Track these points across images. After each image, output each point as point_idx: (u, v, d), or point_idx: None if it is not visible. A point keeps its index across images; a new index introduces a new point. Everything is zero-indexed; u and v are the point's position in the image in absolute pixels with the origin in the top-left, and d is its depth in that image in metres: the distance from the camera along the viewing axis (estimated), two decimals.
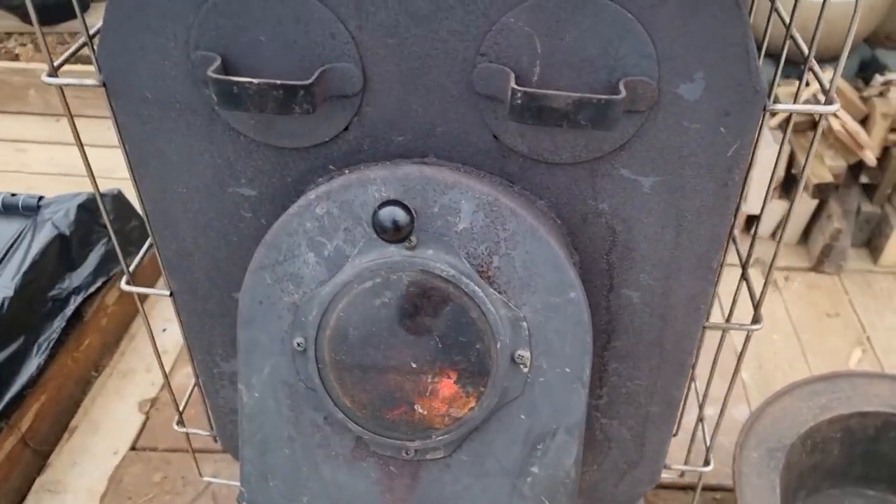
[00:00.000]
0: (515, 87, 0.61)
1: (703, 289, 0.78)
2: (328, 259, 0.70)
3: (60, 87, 0.75)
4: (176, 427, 1.04)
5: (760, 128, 0.68)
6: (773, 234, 2.15)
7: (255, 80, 0.63)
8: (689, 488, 1.57)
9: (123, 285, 0.90)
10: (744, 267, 0.87)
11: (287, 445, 0.74)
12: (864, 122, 2.03)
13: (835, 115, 2.00)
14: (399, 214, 0.64)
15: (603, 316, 0.81)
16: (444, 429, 0.70)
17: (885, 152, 2.04)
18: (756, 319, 0.83)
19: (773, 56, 1.01)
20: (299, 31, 0.65)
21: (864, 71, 2.33)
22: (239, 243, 0.81)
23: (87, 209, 1.87)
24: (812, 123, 2.05)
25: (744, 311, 0.88)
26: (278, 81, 0.63)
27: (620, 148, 0.68)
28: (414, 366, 0.69)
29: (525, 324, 0.69)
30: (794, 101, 0.76)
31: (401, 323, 0.68)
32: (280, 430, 0.74)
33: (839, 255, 2.05)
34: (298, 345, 0.71)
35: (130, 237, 2.00)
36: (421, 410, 0.69)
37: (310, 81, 0.63)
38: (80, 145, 0.82)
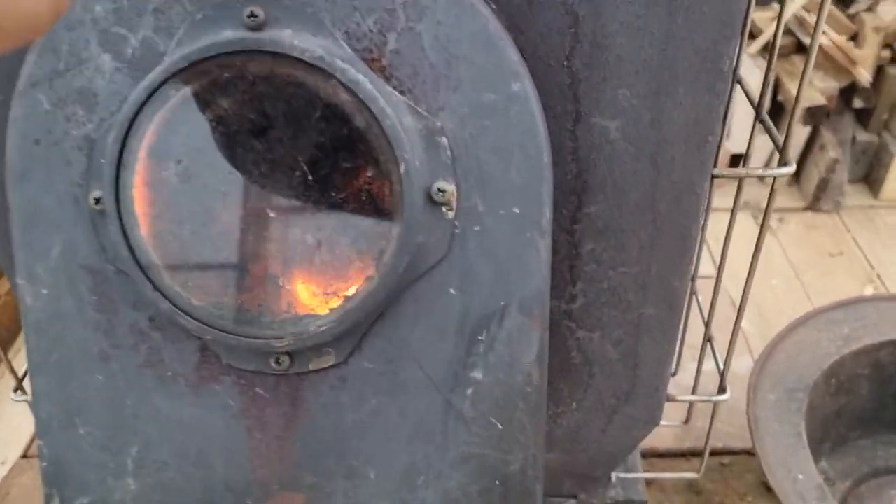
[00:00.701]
0: None
1: (710, 108, 0.54)
2: (132, 61, 0.45)
3: None
4: (14, 396, 0.78)
5: None
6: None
7: None
8: (692, 454, 1.33)
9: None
10: (706, 325, 0.64)
11: (99, 368, 0.48)
12: (854, 40, 1.82)
13: (822, 32, 1.80)
14: None
15: (569, 165, 0.56)
16: (329, 315, 0.45)
17: (878, 73, 1.83)
18: (784, 161, 0.59)
19: None
20: None
21: None
22: None
23: None
24: (797, 46, 1.84)
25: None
26: None
27: None
28: (272, 214, 0.44)
29: (445, 139, 0.45)
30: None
31: (247, 147, 0.43)
32: (86, 343, 0.48)
33: (836, 191, 1.84)
34: (97, 201, 0.45)
35: None
36: (288, 286, 0.44)
37: None
38: None
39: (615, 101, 0.53)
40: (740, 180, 0.65)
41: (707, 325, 0.79)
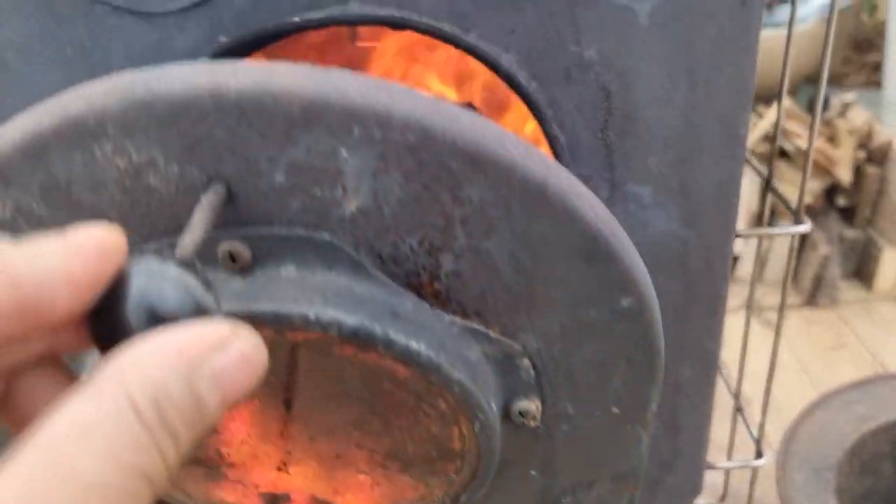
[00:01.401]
0: None
1: (732, 173, 0.59)
2: None
3: None
4: None
5: None
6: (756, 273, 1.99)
7: None
8: None
9: None
10: (736, 397, 0.70)
11: None
12: (831, 143, 1.93)
13: (798, 135, 1.91)
14: (164, 297, 0.24)
15: None
16: None
17: (857, 172, 1.93)
18: (799, 220, 0.64)
19: None
20: None
21: (812, 107, 2.28)
22: None
23: None
24: (781, 151, 1.95)
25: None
26: None
27: None
28: (336, 458, 0.38)
29: (527, 360, 0.37)
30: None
31: (282, 403, 0.36)
32: None
33: (831, 286, 1.89)
34: None
35: None
36: None
37: None
38: None
39: (646, 168, 0.58)
40: (759, 238, 0.69)
41: (736, 395, 0.82)
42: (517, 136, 0.31)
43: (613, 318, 0.36)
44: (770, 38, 0.61)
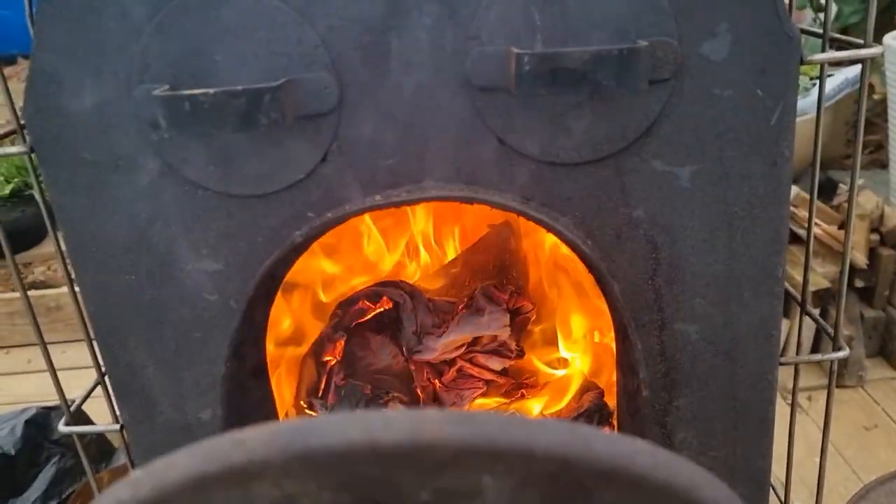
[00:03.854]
0: (520, 50, 0.52)
1: (772, 308, 0.65)
2: None
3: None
4: None
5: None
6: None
7: (211, 90, 0.53)
8: None
9: (62, 427, 0.72)
10: (802, 295, 0.75)
11: None
12: (842, 228, 1.99)
13: (817, 222, 1.97)
14: None
15: (659, 366, 0.66)
16: None
17: (872, 254, 1.98)
18: (837, 346, 0.69)
19: None
20: (260, 41, 0.56)
21: (823, 191, 2.35)
22: (203, 341, 0.66)
23: (37, 424, 1.66)
24: (794, 236, 2.01)
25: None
26: (239, 87, 0.53)
27: (647, 132, 0.58)
28: None
29: None
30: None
31: None
32: None
33: (857, 365, 1.92)
34: None
35: (87, 452, 1.77)
36: None
37: (276, 83, 0.53)
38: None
39: (692, 309, 0.64)
40: (796, 366, 0.74)
41: (786, 497, 0.85)
42: (648, 444, 0.33)
43: None
44: None
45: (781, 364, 0.68)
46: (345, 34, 0.56)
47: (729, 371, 0.66)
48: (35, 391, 2.12)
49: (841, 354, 0.68)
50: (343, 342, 0.81)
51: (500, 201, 0.58)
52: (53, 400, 1.01)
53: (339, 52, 0.56)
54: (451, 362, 0.80)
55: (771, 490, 0.86)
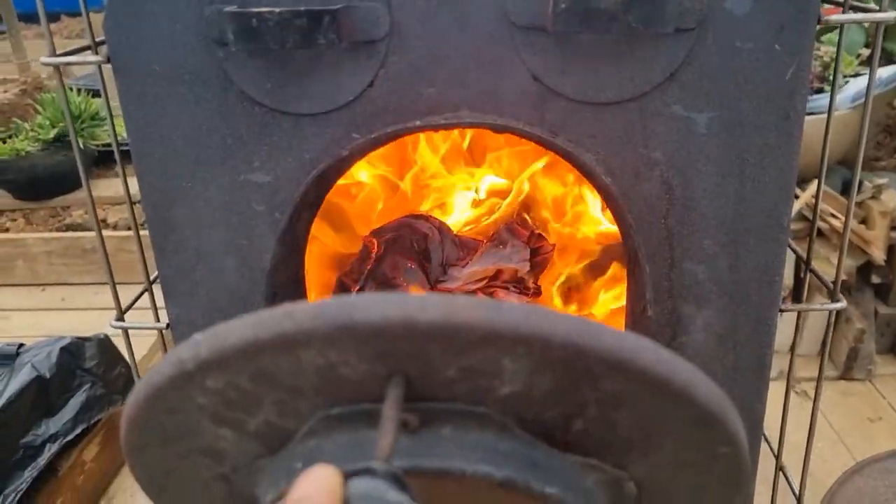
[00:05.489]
0: None
1: (776, 255, 0.69)
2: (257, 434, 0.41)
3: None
4: None
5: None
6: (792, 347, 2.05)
7: (277, 9, 0.58)
8: None
9: (113, 322, 0.79)
10: (809, 248, 0.79)
11: None
12: (864, 224, 2.02)
13: (833, 215, 2.00)
14: (388, 498, 0.32)
15: (666, 303, 0.71)
16: None
17: (890, 251, 2.01)
18: (836, 298, 0.74)
19: None
20: None
21: (849, 189, 2.37)
22: (250, 248, 0.72)
23: (71, 352, 1.75)
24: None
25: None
26: (302, 7, 0.58)
27: (670, 78, 0.63)
28: None
29: (632, 484, 0.43)
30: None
31: None
32: None
33: (867, 360, 1.95)
34: None
35: (115, 384, 1.85)
36: None
37: (336, 7, 0.59)
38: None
39: (701, 249, 0.69)
40: (799, 313, 0.78)
41: (778, 453, 0.90)
42: (652, 342, 0.37)
43: (712, 460, 0.41)
44: (807, 123, 0.66)
45: (782, 311, 0.73)
46: None
47: (732, 313, 0.71)
48: (68, 326, 2.21)
49: (838, 305, 0.73)
50: (378, 256, 0.86)
51: (528, 131, 0.64)
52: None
53: None
54: (472, 294, 0.86)
55: (763, 440, 0.91)
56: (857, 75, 2.46)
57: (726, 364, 0.73)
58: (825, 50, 2.24)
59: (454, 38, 0.63)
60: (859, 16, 0.64)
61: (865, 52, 2.31)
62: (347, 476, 0.32)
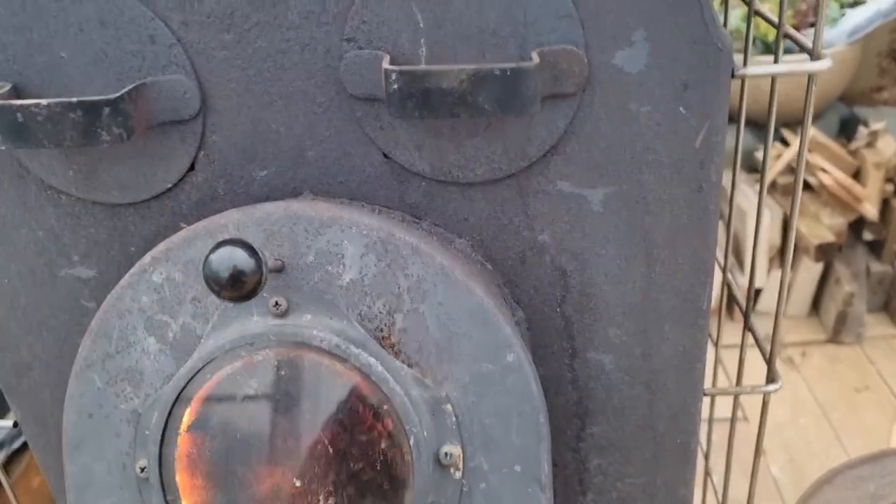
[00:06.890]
0: (388, 67, 0.44)
1: (695, 340, 0.58)
2: (174, 343, 0.51)
3: None
4: None
5: (740, 106, 0.51)
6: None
7: (44, 101, 0.46)
8: None
9: None
10: (745, 316, 0.68)
11: None
12: (857, 176, 1.88)
13: (823, 170, 1.86)
14: (239, 257, 0.45)
15: (570, 394, 0.61)
16: None
17: (885, 205, 1.88)
18: (771, 378, 0.63)
19: None
20: (108, 39, 0.49)
21: (846, 129, 2.21)
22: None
23: None
24: (804, 183, 1.91)
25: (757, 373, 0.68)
26: (74, 99, 0.46)
27: (552, 151, 0.51)
28: (298, 484, 0.48)
29: (450, 406, 0.49)
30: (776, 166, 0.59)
31: (274, 423, 0.48)
32: None
33: (856, 322, 1.85)
34: (142, 470, 0.50)
35: None
36: None
37: (117, 95, 0.47)
38: None
39: (607, 339, 0.58)
40: (735, 397, 0.68)
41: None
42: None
43: (503, 371, 0.49)
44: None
45: (706, 395, 0.62)
46: (203, 31, 0.49)
47: (648, 402, 0.61)
48: None
49: (772, 388, 0.62)
50: None
51: (379, 214, 0.52)
52: None
53: (198, 51, 0.49)
54: None
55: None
56: (855, 4, 2.27)
57: (646, 453, 0.64)
58: None
59: (282, 112, 0.51)
60: (789, 66, 0.51)
61: None
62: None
